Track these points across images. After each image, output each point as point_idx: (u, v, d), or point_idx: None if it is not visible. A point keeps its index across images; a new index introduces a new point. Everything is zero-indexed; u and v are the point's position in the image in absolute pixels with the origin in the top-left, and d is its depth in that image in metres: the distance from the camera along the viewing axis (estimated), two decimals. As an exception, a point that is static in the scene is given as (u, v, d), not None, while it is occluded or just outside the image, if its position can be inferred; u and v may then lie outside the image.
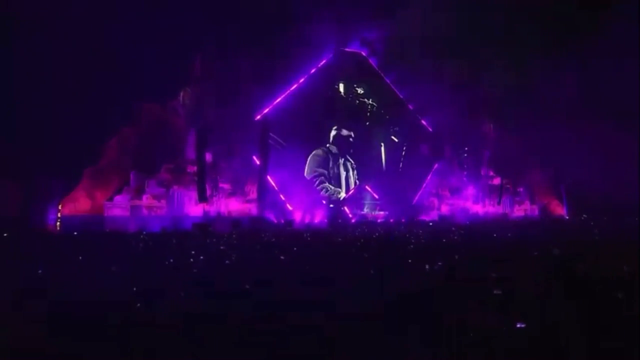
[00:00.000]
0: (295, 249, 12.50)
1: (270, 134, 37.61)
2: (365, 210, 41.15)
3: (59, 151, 28.14)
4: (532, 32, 40.99)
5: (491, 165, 43.76)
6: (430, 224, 32.82)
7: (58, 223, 24.55)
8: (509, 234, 21.41)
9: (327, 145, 43.84)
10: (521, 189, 43.49)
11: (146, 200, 29.99)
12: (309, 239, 18.93)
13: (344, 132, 44.49)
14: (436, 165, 46.11)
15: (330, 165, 43.98)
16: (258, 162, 38.21)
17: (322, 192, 42.56)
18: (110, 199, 29.42)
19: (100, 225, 26.82)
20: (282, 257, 10.35)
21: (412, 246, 15.67)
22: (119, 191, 30.40)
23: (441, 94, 43.89)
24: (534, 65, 40.76)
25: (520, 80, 40.92)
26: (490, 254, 12.80)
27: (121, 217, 27.81)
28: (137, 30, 32.78)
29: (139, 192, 30.23)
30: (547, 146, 40.61)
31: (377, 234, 23.13)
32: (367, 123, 45.52)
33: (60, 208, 25.57)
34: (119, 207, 28.61)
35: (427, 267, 9.83)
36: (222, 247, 12.41)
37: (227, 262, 9.96)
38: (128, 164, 32.32)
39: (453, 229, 25.07)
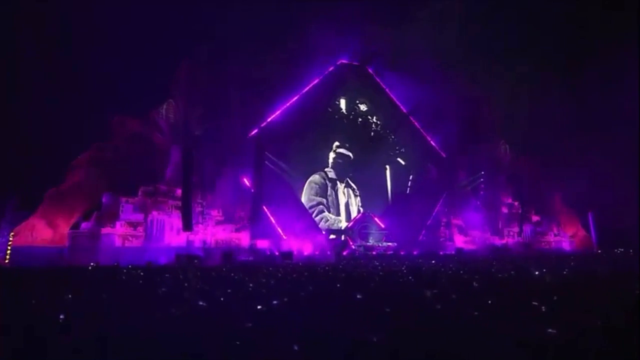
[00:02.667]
0: (338, 285, 9.66)
1: (266, 153, 34.94)
2: (371, 241, 38.20)
3: (13, 169, 24.95)
4: (547, 48, 40.50)
5: (509, 191, 41.69)
6: (456, 258, 30.04)
7: (7, 255, 20.86)
8: (565, 270, 18.72)
9: (325, 169, 41.48)
10: (543, 218, 41.30)
11: (120, 227, 26.52)
12: (330, 273, 15.98)
13: (345, 152, 42.25)
14: (448, 191, 43.90)
15: (329, 192, 41.47)
16: (250, 185, 35.42)
17: (321, 223, 39.86)
18: (76, 226, 25.92)
19: (61, 258, 23.19)
20: (358, 296, 7.66)
21: (475, 284, 12.99)
22: (86, 217, 26.97)
23: (452, 113, 42.33)
24: (550, 82, 39.83)
25: (537, 97, 39.84)
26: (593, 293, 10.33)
27: (89, 248, 24.22)
28: (112, 31, 30.28)
29: (111, 219, 26.77)
30: (568, 169, 38.93)
31: (404, 268, 20.14)
32: (371, 143, 43.17)
33: (11, 237, 21.93)
34: (86, 236, 25.05)
35: (542, 308, 7.75)
36: (250, 286, 9.36)
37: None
38: (98, 185, 29.03)
39: (494, 263, 22.34)
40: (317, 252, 33.11)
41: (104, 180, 29.22)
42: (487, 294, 10.27)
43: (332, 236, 37.75)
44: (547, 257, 27.81)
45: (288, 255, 29.99)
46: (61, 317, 5.91)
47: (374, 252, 35.60)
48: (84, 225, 26.20)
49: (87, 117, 29.13)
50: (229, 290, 8.79)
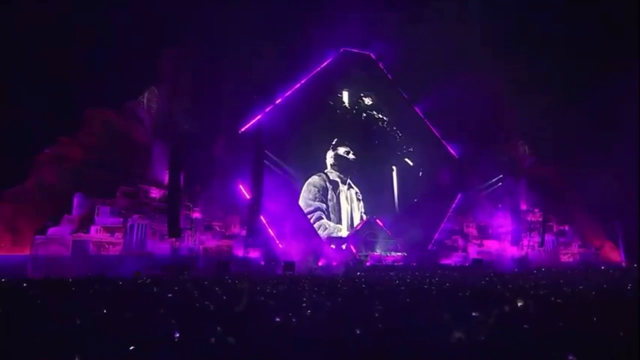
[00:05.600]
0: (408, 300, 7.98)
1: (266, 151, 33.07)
2: (378, 251, 36.36)
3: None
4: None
5: (529, 197, 40.30)
6: (492, 274, 28.24)
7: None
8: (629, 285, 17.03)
9: (325, 170, 39.64)
10: (567, 228, 40.08)
11: (95, 233, 24.26)
12: (364, 285, 14.28)
13: (347, 152, 40.50)
14: (460, 196, 42.41)
15: (329, 195, 39.56)
16: (244, 187, 33.36)
17: (319, 231, 37.91)
18: (42, 232, 23.49)
19: (23, 269, 20.72)
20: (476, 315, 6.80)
21: (559, 300, 11.49)
22: (55, 221, 24.60)
23: (466, 110, 40.86)
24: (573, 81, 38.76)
25: (559, 96, 38.65)
26: None
27: (58, 257, 21.80)
28: (85, 11, 28.08)
29: (85, 223, 24.57)
30: (594, 174, 37.76)
31: (438, 280, 18.22)
32: (376, 142, 41.53)
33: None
34: (55, 243, 22.64)
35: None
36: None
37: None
38: (69, 185, 26.68)
39: (531, 275, 20.60)
40: (320, 264, 31.16)
41: (76, 179, 26.87)
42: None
43: (332, 245, 35.89)
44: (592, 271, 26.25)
45: (290, 266, 27.93)
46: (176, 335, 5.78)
47: (382, 263, 33.82)
48: (51, 230, 23.78)
49: (56, 105, 26.77)
50: (303, 305, 7.73)
